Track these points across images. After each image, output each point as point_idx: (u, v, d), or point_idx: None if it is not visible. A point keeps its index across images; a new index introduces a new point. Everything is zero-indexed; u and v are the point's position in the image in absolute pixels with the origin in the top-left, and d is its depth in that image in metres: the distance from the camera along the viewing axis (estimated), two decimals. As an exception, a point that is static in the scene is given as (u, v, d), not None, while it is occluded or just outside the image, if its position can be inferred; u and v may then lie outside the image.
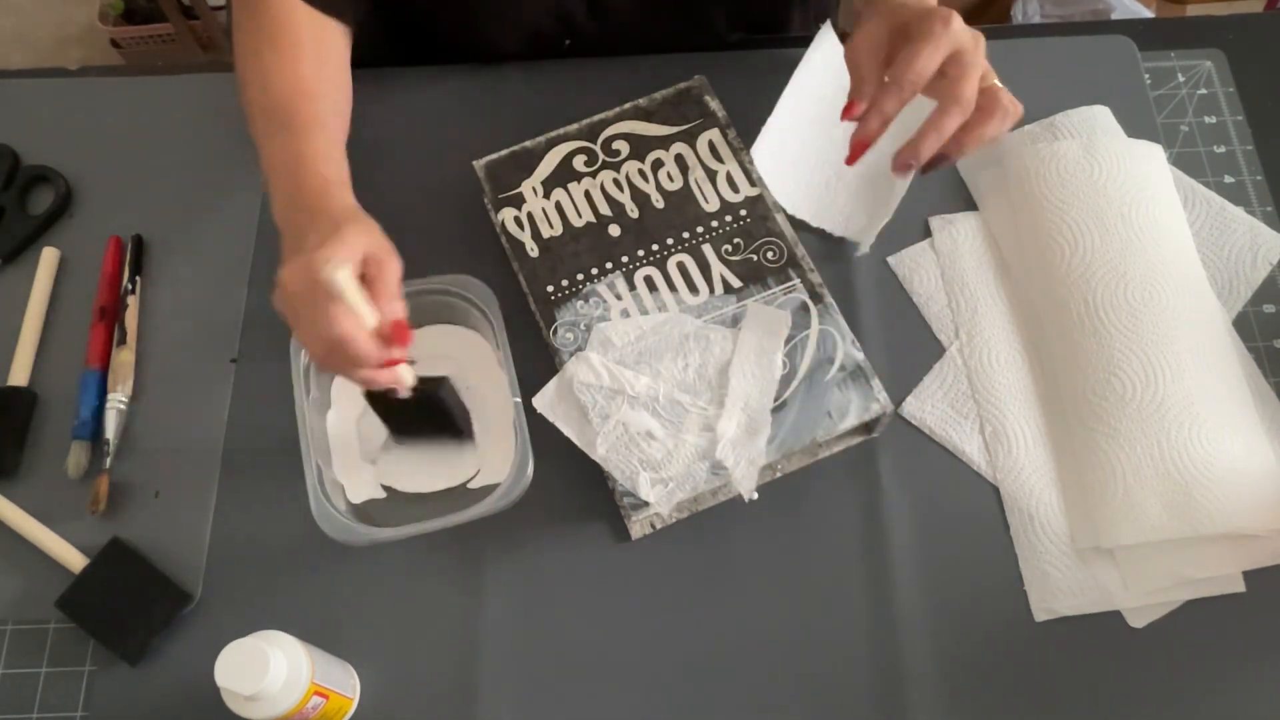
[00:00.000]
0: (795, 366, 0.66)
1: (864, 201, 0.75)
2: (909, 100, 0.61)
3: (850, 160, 0.64)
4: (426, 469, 0.67)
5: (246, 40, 0.68)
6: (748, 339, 0.66)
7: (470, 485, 0.67)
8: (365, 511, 0.66)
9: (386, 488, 0.67)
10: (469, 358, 0.70)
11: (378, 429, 0.68)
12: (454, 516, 0.61)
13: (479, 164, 0.74)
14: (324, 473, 0.63)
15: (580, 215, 0.72)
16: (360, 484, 0.67)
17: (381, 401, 0.63)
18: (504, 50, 0.82)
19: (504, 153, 0.74)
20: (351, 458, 0.67)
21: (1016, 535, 0.65)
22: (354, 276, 0.56)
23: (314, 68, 0.67)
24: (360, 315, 0.56)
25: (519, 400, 0.63)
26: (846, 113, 0.63)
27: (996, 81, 0.62)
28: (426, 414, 0.64)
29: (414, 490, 0.67)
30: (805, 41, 0.77)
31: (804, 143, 0.76)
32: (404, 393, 0.60)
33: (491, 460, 0.67)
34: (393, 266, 0.59)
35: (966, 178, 0.77)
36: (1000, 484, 0.66)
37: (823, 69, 0.77)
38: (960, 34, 0.60)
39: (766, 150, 0.74)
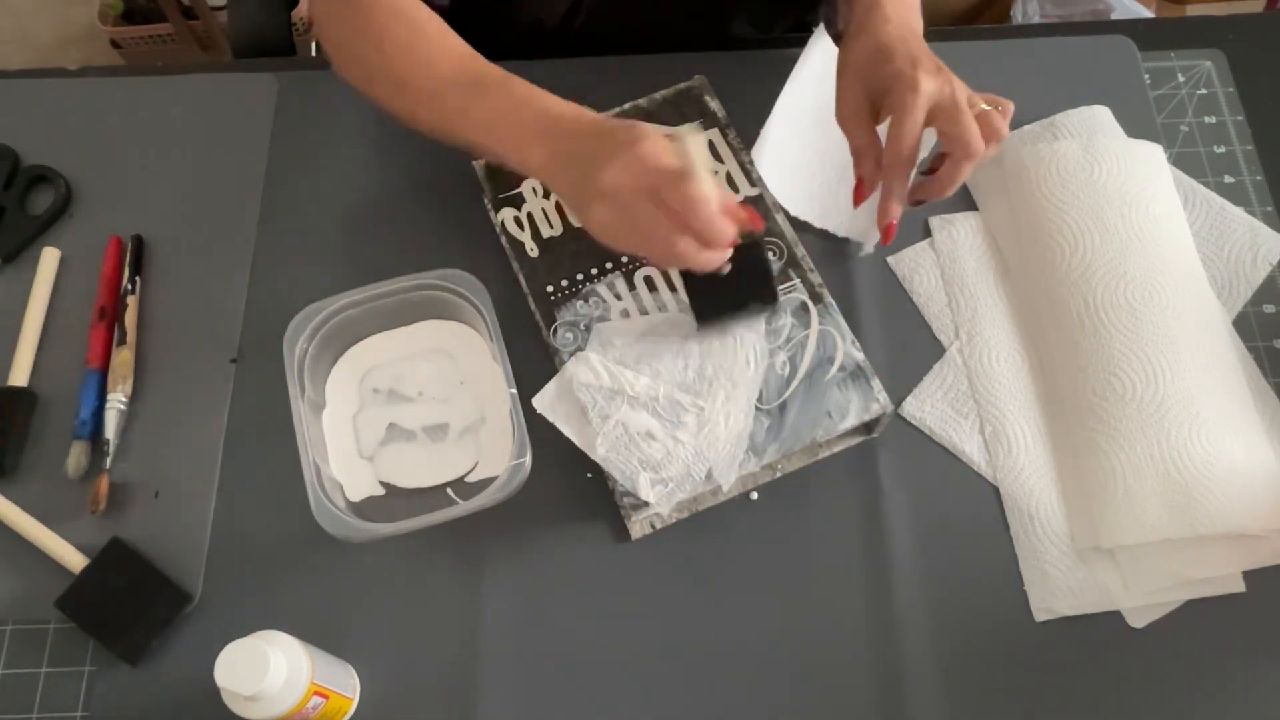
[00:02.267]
0: (795, 366, 0.66)
1: (866, 201, 0.74)
2: (913, 170, 0.64)
3: (886, 240, 0.67)
4: (424, 464, 0.67)
5: (368, 42, 0.66)
6: (730, 335, 0.66)
7: (468, 479, 0.67)
8: (365, 509, 0.66)
9: (385, 484, 0.67)
10: (463, 351, 0.70)
11: (374, 426, 0.68)
12: (454, 509, 0.61)
13: (479, 164, 0.74)
14: (322, 471, 0.63)
15: (580, 215, 0.72)
16: (358, 481, 0.67)
17: (696, 279, 0.62)
18: (498, 44, 0.81)
19: (504, 153, 0.74)
20: (349, 455, 0.68)
21: (1016, 535, 0.65)
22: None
23: (449, 31, 0.67)
24: (710, 188, 0.54)
25: (514, 391, 0.64)
26: (856, 198, 0.68)
27: (980, 103, 0.63)
28: (739, 279, 0.62)
29: (412, 485, 0.67)
30: (804, 42, 0.77)
31: (804, 145, 0.76)
32: (724, 269, 0.60)
33: (489, 453, 0.67)
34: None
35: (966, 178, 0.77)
36: (1000, 484, 0.66)
37: (820, 71, 0.77)
38: (930, 91, 0.61)
39: (767, 153, 0.73)
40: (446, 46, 0.65)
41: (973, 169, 0.62)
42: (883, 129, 0.66)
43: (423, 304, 0.69)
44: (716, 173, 0.73)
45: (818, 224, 0.74)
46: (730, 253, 0.59)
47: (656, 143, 0.55)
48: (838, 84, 0.68)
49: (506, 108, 0.62)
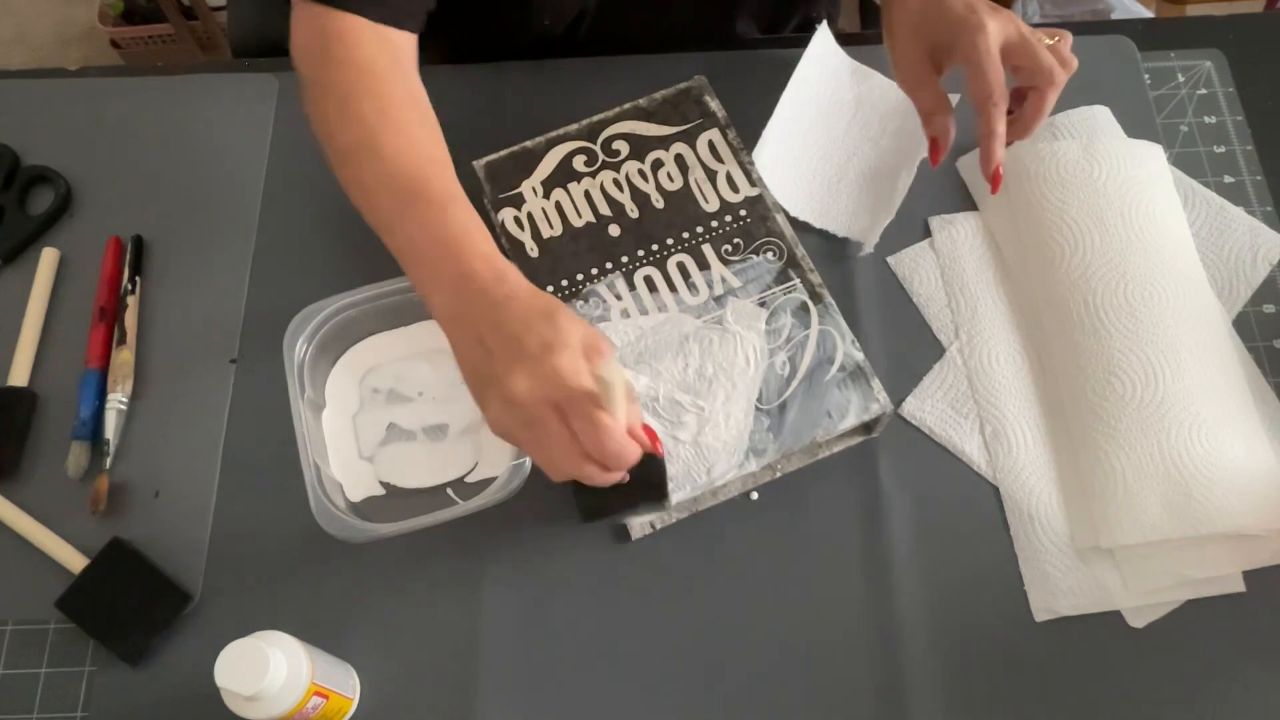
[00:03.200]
0: (795, 366, 0.66)
1: (866, 201, 0.75)
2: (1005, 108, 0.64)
3: (995, 188, 0.67)
4: (424, 464, 0.67)
5: (332, 100, 0.60)
6: (730, 335, 0.66)
7: (468, 479, 0.67)
8: (365, 509, 0.66)
9: (385, 484, 0.67)
10: None
11: (374, 426, 0.68)
12: (454, 510, 0.61)
13: (479, 164, 0.74)
14: (322, 471, 0.63)
15: (580, 215, 0.72)
16: (358, 482, 0.67)
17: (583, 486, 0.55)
18: (508, 46, 0.81)
19: (504, 153, 0.74)
20: (349, 456, 0.68)
21: (1016, 535, 0.65)
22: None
23: (420, 121, 0.61)
24: (621, 418, 0.50)
25: None
26: (934, 157, 0.67)
27: (1044, 37, 0.64)
28: (633, 485, 0.56)
29: (412, 485, 0.67)
30: (805, 42, 0.77)
31: (805, 144, 0.76)
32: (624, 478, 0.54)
33: (489, 453, 0.67)
34: (610, 352, 0.52)
35: (966, 178, 0.77)
36: (1000, 484, 0.66)
37: (821, 69, 0.77)
38: (997, 29, 0.61)
39: (768, 154, 0.73)
40: (408, 143, 0.58)
41: (1056, 97, 0.63)
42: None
43: (422, 304, 0.69)
44: (716, 173, 0.73)
45: (817, 224, 0.74)
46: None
47: (574, 358, 0.50)
48: (892, 47, 0.67)
49: (426, 239, 0.56)
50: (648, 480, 0.57)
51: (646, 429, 0.54)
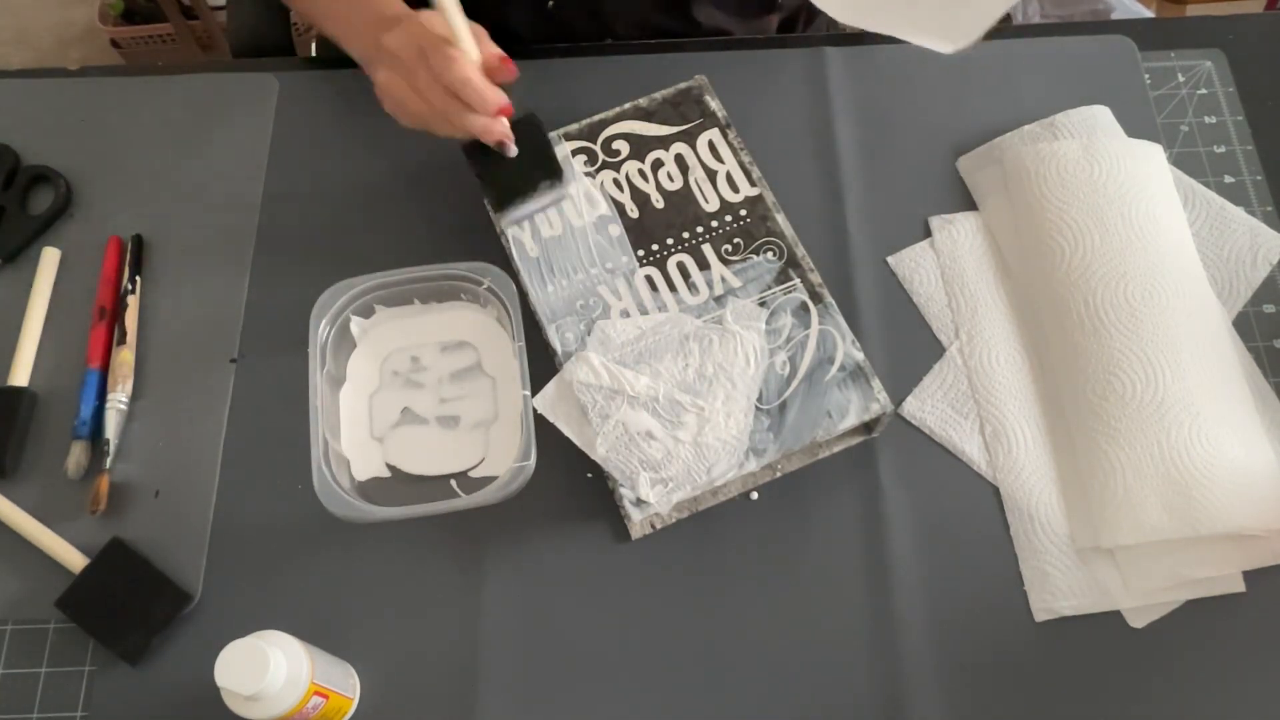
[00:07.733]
0: (795, 366, 0.66)
1: None
2: None
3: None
4: (432, 452, 0.67)
5: None
6: (730, 335, 0.66)
7: (472, 473, 0.67)
8: (368, 490, 0.66)
9: (391, 467, 0.67)
10: (487, 344, 0.71)
11: (389, 407, 0.69)
12: (455, 501, 0.61)
13: (479, 164, 0.74)
14: (330, 447, 0.63)
15: (580, 215, 0.72)
16: (366, 461, 0.67)
17: (482, 161, 0.67)
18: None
19: (504, 153, 0.74)
20: (361, 433, 0.68)
21: (1016, 535, 0.65)
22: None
23: None
24: (470, 50, 0.62)
25: (528, 394, 0.64)
26: None
27: None
28: (525, 158, 0.67)
29: (418, 472, 0.67)
30: (805, 42, 0.77)
31: None
32: (510, 149, 0.66)
33: (496, 450, 0.67)
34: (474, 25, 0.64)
35: (966, 178, 0.77)
36: (1000, 484, 0.66)
37: None
38: None
39: None
40: None
41: None
42: None
43: (449, 293, 0.70)
44: (716, 173, 0.73)
45: (871, 26, 0.55)
46: (509, 133, 0.65)
47: (432, 16, 0.63)
48: None
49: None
50: (532, 150, 0.67)
51: (503, 59, 0.64)
